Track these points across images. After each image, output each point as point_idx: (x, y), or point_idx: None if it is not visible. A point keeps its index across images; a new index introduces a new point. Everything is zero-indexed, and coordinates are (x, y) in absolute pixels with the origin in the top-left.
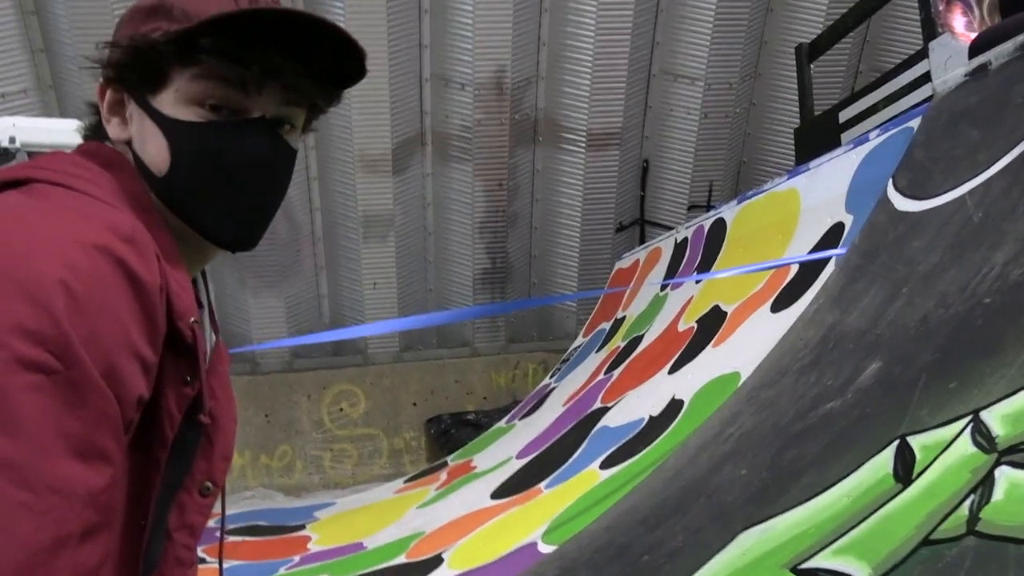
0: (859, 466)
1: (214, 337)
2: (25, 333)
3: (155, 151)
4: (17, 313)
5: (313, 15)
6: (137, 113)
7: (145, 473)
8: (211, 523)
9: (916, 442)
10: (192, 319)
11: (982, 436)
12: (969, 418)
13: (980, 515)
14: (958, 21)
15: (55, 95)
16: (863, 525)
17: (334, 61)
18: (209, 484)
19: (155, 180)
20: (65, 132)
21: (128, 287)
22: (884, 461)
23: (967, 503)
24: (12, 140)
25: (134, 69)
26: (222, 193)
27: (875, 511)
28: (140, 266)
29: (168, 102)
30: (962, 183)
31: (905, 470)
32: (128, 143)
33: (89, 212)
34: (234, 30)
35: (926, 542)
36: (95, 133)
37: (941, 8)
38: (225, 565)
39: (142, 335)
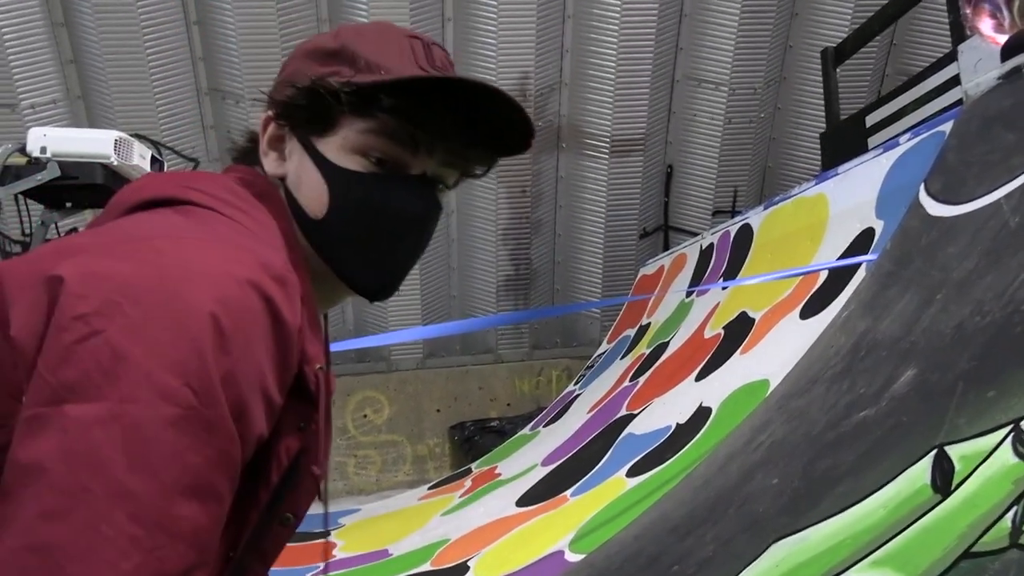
0: (896, 476)
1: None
2: (170, 364)
3: (313, 194)
4: (165, 343)
5: (493, 87)
6: (298, 152)
7: (243, 509)
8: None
9: (955, 452)
10: (319, 366)
11: None
12: (1010, 428)
13: (1023, 528)
14: (986, 24)
15: (84, 105)
16: (901, 537)
17: (500, 128)
18: (290, 516)
19: (308, 221)
20: (95, 142)
21: (272, 327)
22: (921, 471)
23: (1010, 515)
24: (43, 150)
25: (306, 110)
26: (374, 244)
27: (913, 522)
28: (286, 307)
29: (333, 147)
30: (997, 187)
31: (944, 480)
32: (282, 179)
33: (244, 245)
34: (415, 93)
35: (967, 555)
36: (244, 158)
37: (968, 11)
38: None
39: (275, 376)
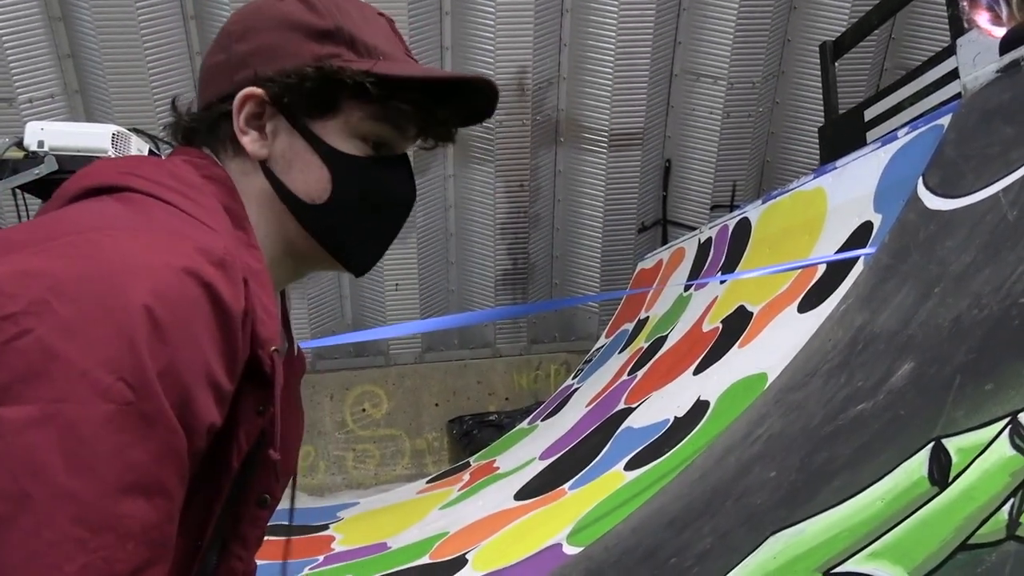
0: (893, 469)
1: (286, 346)
2: (103, 360)
3: (312, 178)
4: (98, 340)
5: (488, 80)
6: (286, 133)
7: (206, 498)
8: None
9: (952, 444)
10: (273, 348)
11: (1020, 439)
12: (1007, 420)
13: (1020, 519)
14: (983, 17)
15: (81, 100)
16: (898, 529)
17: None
18: (267, 497)
19: (300, 205)
20: (92, 136)
21: (213, 314)
22: (919, 464)
23: (1006, 507)
24: (41, 144)
25: (312, 94)
26: (373, 226)
27: (910, 515)
28: (227, 292)
29: (333, 131)
30: (995, 181)
31: (941, 473)
32: (263, 162)
33: (182, 231)
34: (431, 88)
35: (964, 547)
36: (188, 138)
37: (966, 5)
38: None
39: (221, 364)
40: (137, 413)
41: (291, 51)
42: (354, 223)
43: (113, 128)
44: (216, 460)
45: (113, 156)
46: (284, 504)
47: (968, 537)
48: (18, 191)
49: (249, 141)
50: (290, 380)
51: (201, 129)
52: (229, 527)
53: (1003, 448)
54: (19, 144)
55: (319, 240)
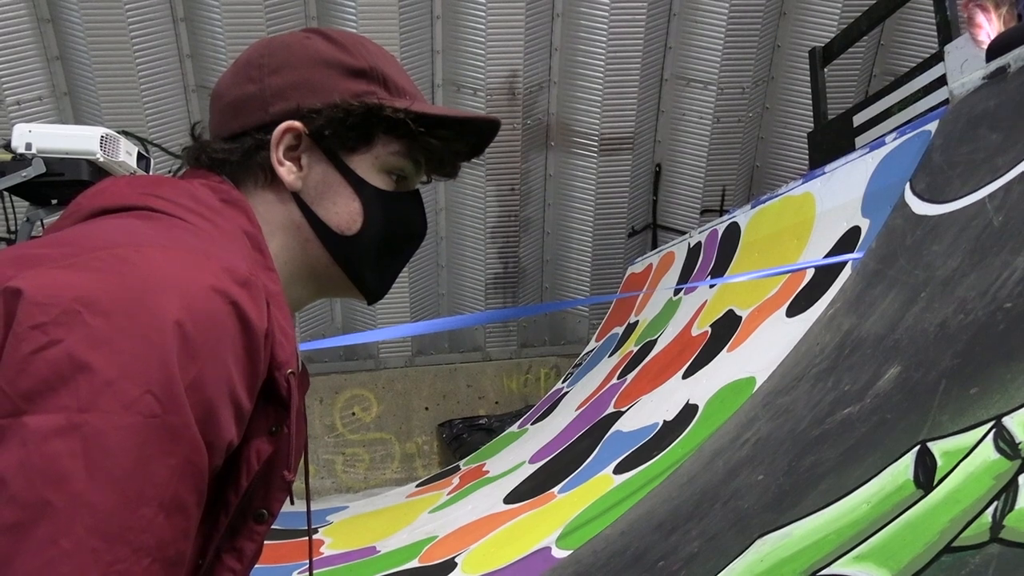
0: (879, 472)
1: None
2: (132, 373)
3: (344, 211)
4: (127, 352)
5: (498, 121)
6: (321, 167)
7: (213, 515)
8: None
9: (937, 448)
10: (290, 371)
11: (1005, 442)
12: (991, 424)
13: (1004, 522)
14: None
15: (70, 102)
16: (883, 532)
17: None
18: (264, 512)
19: (330, 234)
20: (81, 138)
21: (239, 332)
22: (904, 467)
23: (990, 510)
24: (29, 146)
25: (352, 128)
26: (393, 257)
27: (896, 518)
28: (252, 311)
29: (364, 165)
30: (982, 186)
31: (926, 476)
32: (295, 193)
33: (207, 251)
34: (454, 125)
35: (948, 549)
36: (214, 166)
37: (966, 15)
38: None
39: (243, 382)
40: (163, 426)
41: (330, 87)
42: (378, 253)
43: (102, 130)
44: (226, 478)
45: (102, 159)
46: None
47: (953, 540)
48: (5, 193)
49: (286, 172)
50: (300, 402)
51: (233, 159)
52: (226, 539)
53: (987, 451)
54: (7, 146)
55: (344, 268)
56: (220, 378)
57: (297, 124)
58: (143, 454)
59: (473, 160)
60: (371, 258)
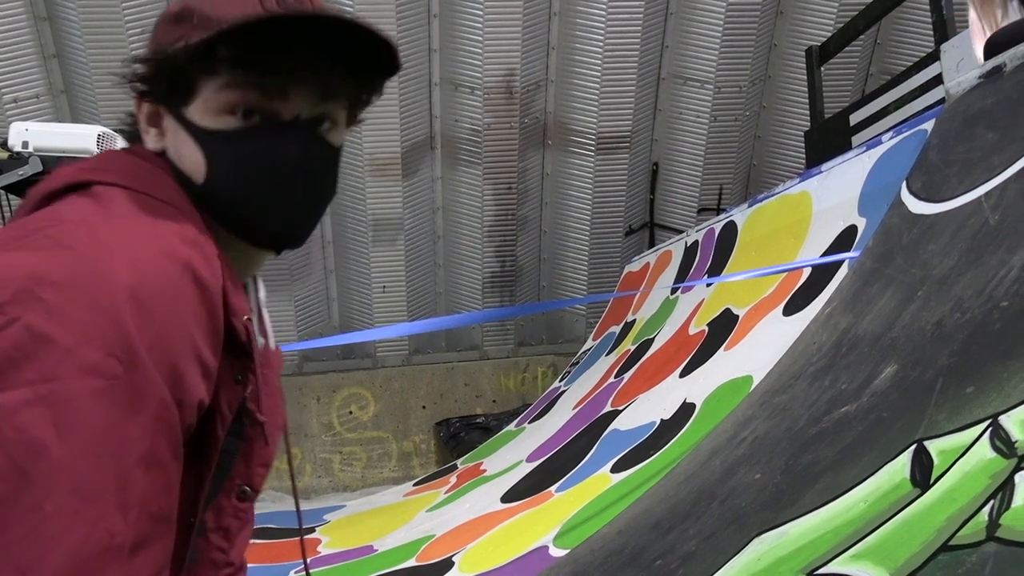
0: (876, 471)
1: (263, 341)
2: (90, 338)
3: (191, 162)
4: (84, 320)
5: (330, 14)
6: (172, 124)
7: (198, 474)
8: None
9: (934, 447)
10: (245, 317)
11: (1001, 441)
12: (988, 423)
13: (1000, 521)
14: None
15: (67, 100)
16: (881, 530)
17: (365, 53)
18: (247, 488)
19: (194, 189)
20: (77, 137)
21: (194, 291)
22: (901, 466)
23: (987, 508)
24: (25, 145)
25: (160, 82)
26: (260, 199)
27: (893, 516)
28: (205, 269)
29: (199, 112)
30: (978, 185)
31: (923, 475)
32: (162, 153)
33: (154, 216)
34: (253, 37)
35: (945, 548)
36: (135, 141)
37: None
38: None
39: (205, 339)
40: (128, 386)
41: (155, 44)
42: (238, 197)
43: (98, 129)
44: (203, 434)
45: None
46: (268, 507)
47: (949, 538)
48: (2, 191)
49: (148, 139)
50: (268, 375)
51: (138, 134)
52: (211, 518)
53: (984, 450)
54: (3, 144)
55: (216, 219)
56: (181, 338)
57: (137, 87)
58: (112, 414)
59: (471, 160)
60: (233, 203)
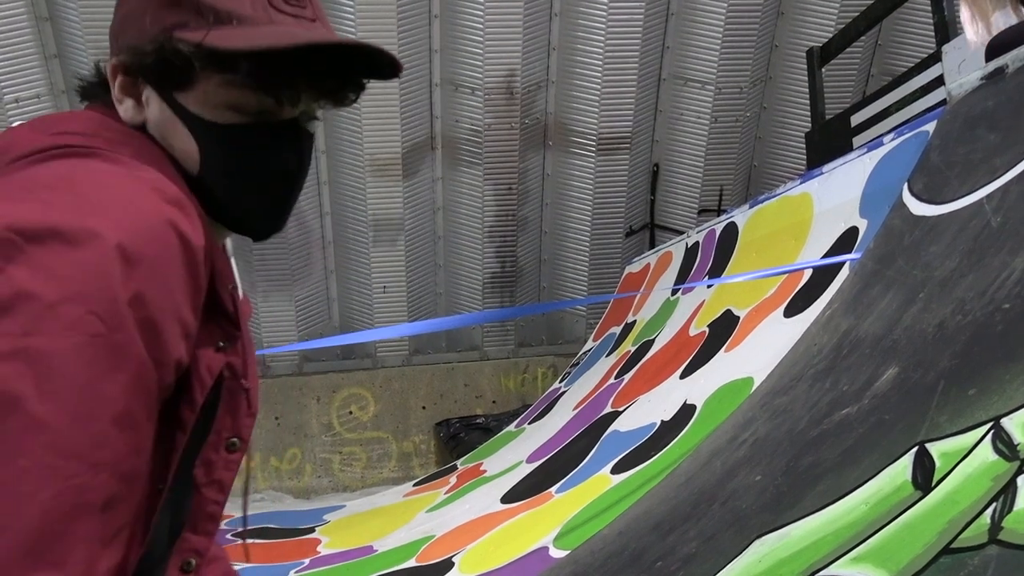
0: (877, 473)
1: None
2: (73, 295)
3: (183, 149)
4: (67, 276)
5: (351, 42)
6: (157, 102)
7: (171, 436)
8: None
9: (935, 449)
10: (231, 285)
11: (1003, 443)
12: (990, 425)
13: (1003, 524)
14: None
15: (68, 100)
16: (882, 533)
17: (371, 67)
18: (235, 440)
19: (185, 172)
20: None
21: (179, 250)
22: (903, 468)
23: (989, 511)
24: None
25: (158, 66)
26: (254, 193)
27: (894, 519)
28: (188, 228)
29: (196, 101)
30: (980, 187)
31: (924, 477)
32: (142, 126)
33: (135, 175)
34: (278, 56)
35: (947, 550)
36: (98, 96)
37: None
38: (236, 568)
39: (186, 299)
40: (108, 345)
41: (146, 20)
42: (232, 193)
43: None
44: (180, 397)
45: None
46: (268, 506)
47: (951, 541)
48: None
49: (123, 110)
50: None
51: (96, 92)
52: (202, 473)
53: (986, 453)
54: None
55: (203, 205)
56: (163, 296)
57: (123, 60)
58: (91, 372)
59: (471, 161)
60: (223, 198)
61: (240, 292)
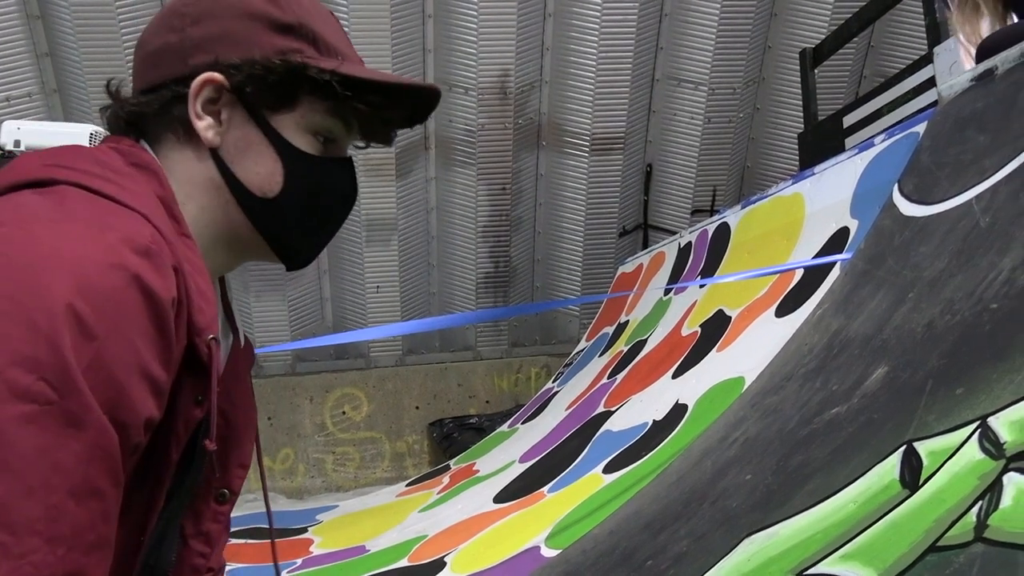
0: (865, 472)
1: (232, 337)
2: (22, 360)
3: (264, 172)
4: (15, 338)
5: (437, 89)
6: (242, 124)
7: (148, 492)
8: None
9: (923, 448)
10: (211, 336)
11: (990, 442)
12: (977, 424)
13: (988, 522)
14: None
15: (59, 99)
16: (870, 531)
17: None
18: (225, 491)
19: (248, 196)
20: (70, 135)
21: (143, 304)
22: (891, 467)
23: (975, 509)
24: (17, 143)
25: (275, 86)
26: (318, 223)
27: (882, 517)
28: (155, 281)
29: (288, 125)
30: (969, 188)
31: (912, 476)
32: (213, 149)
33: (105, 222)
34: (386, 91)
35: (933, 548)
36: (133, 121)
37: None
38: (228, 568)
39: (155, 355)
40: (61, 413)
41: (254, 41)
42: (299, 219)
43: (91, 128)
44: (155, 452)
45: None
46: (261, 506)
47: (938, 539)
48: None
49: (204, 127)
50: (239, 371)
51: (149, 112)
52: (190, 524)
53: (972, 451)
54: None
55: (263, 233)
56: (125, 355)
57: (217, 76)
58: (43, 443)
59: (465, 161)
60: (291, 224)
61: (236, 339)
